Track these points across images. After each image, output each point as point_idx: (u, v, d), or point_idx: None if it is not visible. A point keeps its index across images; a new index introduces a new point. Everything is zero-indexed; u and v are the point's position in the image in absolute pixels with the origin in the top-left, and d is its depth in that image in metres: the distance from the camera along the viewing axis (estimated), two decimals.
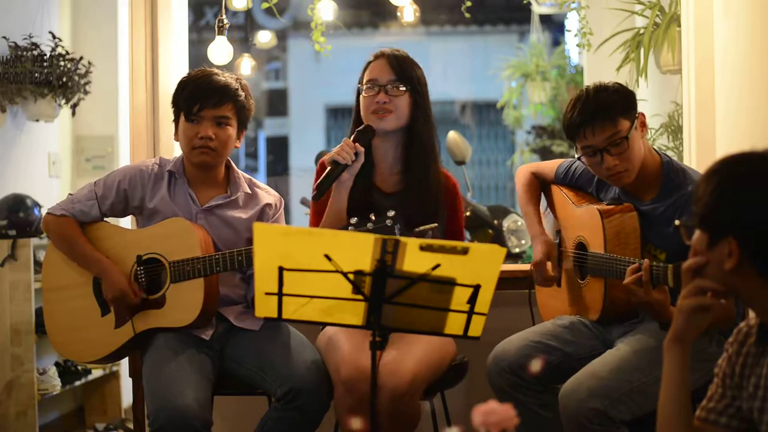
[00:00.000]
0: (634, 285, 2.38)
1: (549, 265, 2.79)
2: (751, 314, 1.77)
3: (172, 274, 2.69)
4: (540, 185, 2.94)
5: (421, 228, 2.43)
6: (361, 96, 2.78)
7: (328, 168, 2.66)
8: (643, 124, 2.60)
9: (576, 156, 2.77)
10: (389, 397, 2.48)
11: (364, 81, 2.77)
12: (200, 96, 2.73)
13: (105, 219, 2.84)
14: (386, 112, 2.72)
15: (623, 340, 2.56)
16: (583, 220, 2.70)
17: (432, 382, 2.62)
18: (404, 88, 2.73)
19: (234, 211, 2.81)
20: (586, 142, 2.57)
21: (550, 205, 2.93)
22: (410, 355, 2.54)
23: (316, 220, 2.79)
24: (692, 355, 1.80)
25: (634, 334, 2.56)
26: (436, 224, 2.47)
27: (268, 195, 2.88)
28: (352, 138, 2.71)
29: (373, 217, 2.44)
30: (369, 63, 2.80)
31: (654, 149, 2.65)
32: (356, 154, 2.67)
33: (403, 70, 2.74)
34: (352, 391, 2.48)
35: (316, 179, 2.72)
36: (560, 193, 2.86)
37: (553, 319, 2.79)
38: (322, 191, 2.65)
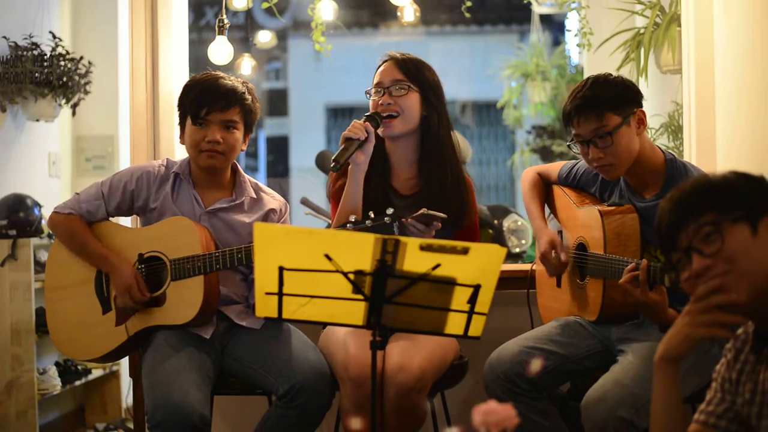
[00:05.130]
0: (630, 284, 2.38)
1: (553, 254, 2.77)
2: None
3: (173, 272, 2.69)
4: (544, 185, 2.95)
5: (431, 212, 2.44)
6: (370, 100, 2.78)
7: (343, 144, 2.65)
8: (641, 122, 2.58)
9: (567, 143, 2.77)
10: (397, 393, 2.48)
11: (373, 85, 2.77)
12: (208, 99, 2.73)
13: (109, 218, 2.85)
14: (392, 116, 2.72)
15: (632, 346, 2.54)
16: (583, 221, 2.70)
17: (437, 379, 2.61)
18: (409, 88, 2.72)
19: (238, 215, 2.81)
20: (575, 131, 2.59)
21: (552, 206, 2.93)
22: (417, 350, 2.54)
23: (335, 205, 2.78)
24: (696, 357, 1.78)
25: (642, 340, 2.54)
26: (445, 215, 2.46)
27: (273, 200, 2.88)
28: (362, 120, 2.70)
29: (372, 215, 2.44)
30: (378, 67, 2.80)
31: (658, 147, 2.65)
32: (367, 132, 2.66)
33: (410, 71, 2.74)
34: (362, 387, 2.47)
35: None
36: (562, 194, 2.86)
37: (551, 321, 2.79)
38: (339, 164, 2.62)
